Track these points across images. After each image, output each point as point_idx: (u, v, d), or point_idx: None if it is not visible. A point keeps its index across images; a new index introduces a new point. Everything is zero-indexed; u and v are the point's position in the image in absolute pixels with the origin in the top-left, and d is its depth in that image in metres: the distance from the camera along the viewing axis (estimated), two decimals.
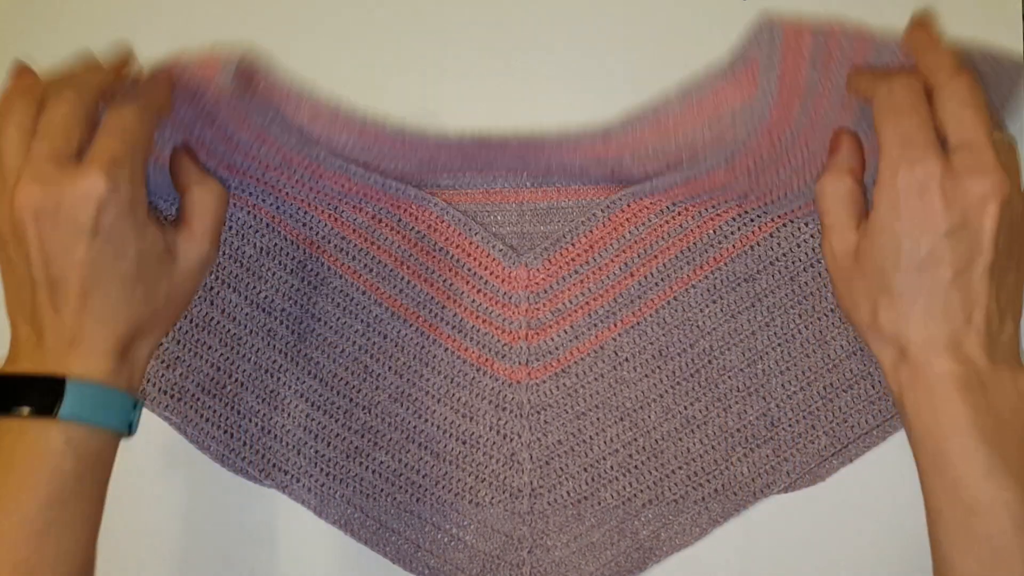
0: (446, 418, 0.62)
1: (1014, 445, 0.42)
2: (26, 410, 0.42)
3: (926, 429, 0.43)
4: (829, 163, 0.49)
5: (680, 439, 0.61)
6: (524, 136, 0.59)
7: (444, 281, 0.62)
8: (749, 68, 0.56)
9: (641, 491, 0.61)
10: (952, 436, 0.42)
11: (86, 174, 0.42)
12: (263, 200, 0.62)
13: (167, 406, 0.62)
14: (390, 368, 0.62)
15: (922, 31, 0.48)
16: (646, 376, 0.61)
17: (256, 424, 0.62)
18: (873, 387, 0.60)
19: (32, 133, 0.43)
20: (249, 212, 0.62)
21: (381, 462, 0.62)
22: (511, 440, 0.61)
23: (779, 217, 0.61)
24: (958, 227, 0.42)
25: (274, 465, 0.62)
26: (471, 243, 0.63)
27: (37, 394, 0.43)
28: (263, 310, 0.62)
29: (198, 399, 0.62)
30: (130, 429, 0.47)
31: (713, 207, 0.61)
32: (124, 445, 0.64)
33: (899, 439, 0.61)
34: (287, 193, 0.61)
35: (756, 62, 0.55)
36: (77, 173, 0.42)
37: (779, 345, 0.61)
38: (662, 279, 0.62)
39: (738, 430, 0.61)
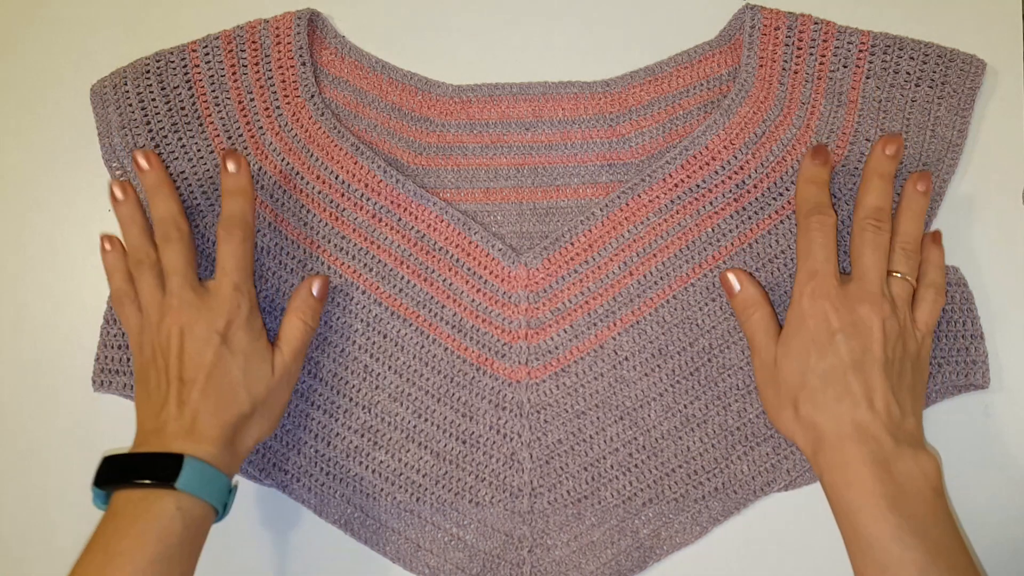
0: (446, 417, 0.62)
1: (918, 512, 0.50)
2: (148, 481, 0.52)
3: (844, 502, 0.51)
4: (736, 304, 0.59)
5: (680, 438, 0.61)
6: (535, 85, 0.65)
7: (444, 280, 0.62)
8: (733, 45, 0.64)
9: (641, 490, 0.61)
10: (864, 506, 0.50)
11: (220, 296, 0.56)
12: (269, 197, 0.62)
13: None
14: (390, 367, 0.62)
15: (877, 161, 0.58)
16: (646, 375, 0.61)
17: None
18: None
19: (155, 269, 0.58)
20: (254, 211, 0.63)
21: (381, 461, 0.62)
22: (511, 439, 0.61)
23: (776, 213, 0.61)
24: (849, 328, 0.53)
25: (274, 464, 0.62)
26: (471, 242, 0.63)
27: (160, 468, 0.52)
28: (263, 310, 0.62)
29: None
30: (225, 509, 0.55)
31: (711, 204, 0.62)
32: (129, 443, 0.64)
33: None
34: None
35: (740, 40, 0.63)
36: (211, 295, 0.56)
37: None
38: (661, 278, 0.62)
39: (738, 428, 0.61)
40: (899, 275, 0.56)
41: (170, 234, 0.58)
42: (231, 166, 0.60)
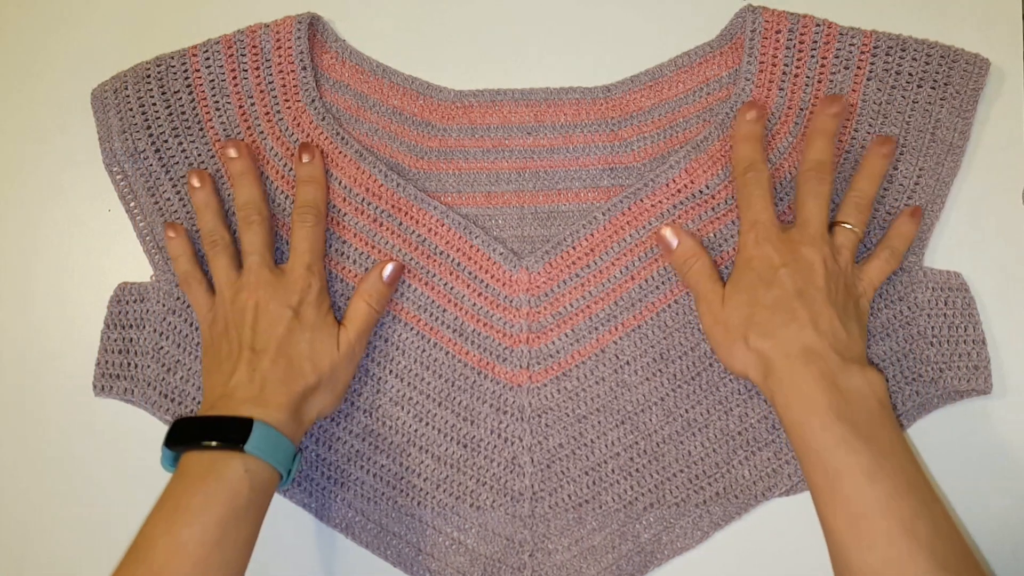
0: (447, 421, 0.62)
1: (864, 420, 0.52)
2: (215, 443, 0.53)
3: (793, 416, 0.53)
4: (676, 258, 0.60)
5: (681, 442, 0.61)
6: (537, 91, 0.65)
7: (445, 284, 0.62)
8: (733, 45, 0.63)
9: (642, 494, 0.61)
10: (812, 418, 0.52)
11: (293, 275, 0.59)
12: (270, 201, 0.62)
13: (168, 409, 0.62)
14: (391, 371, 0.62)
15: (820, 120, 0.60)
16: (647, 379, 0.61)
17: None
18: None
19: (229, 250, 0.60)
20: None
21: (382, 465, 0.62)
22: (512, 443, 0.61)
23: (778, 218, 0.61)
24: (791, 264, 0.56)
25: None
26: (472, 247, 0.63)
27: (230, 431, 0.53)
28: None
29: (199, 402, 0.62)
30: (289, 475, 0.56)
31: (712, 210, 0.61)
32: (126, 449, 0.64)
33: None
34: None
35: (741, 39, 0.63)
36: (285, 275, 0.59)
37: None
38: (663, 282, 0.62)
39: (739, 433, 0.61)
40: (847, 226, 0.58)
41: (251, 217, 0.60)
42: (305, 157, 0.62)
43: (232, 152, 0.62)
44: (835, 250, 0.57)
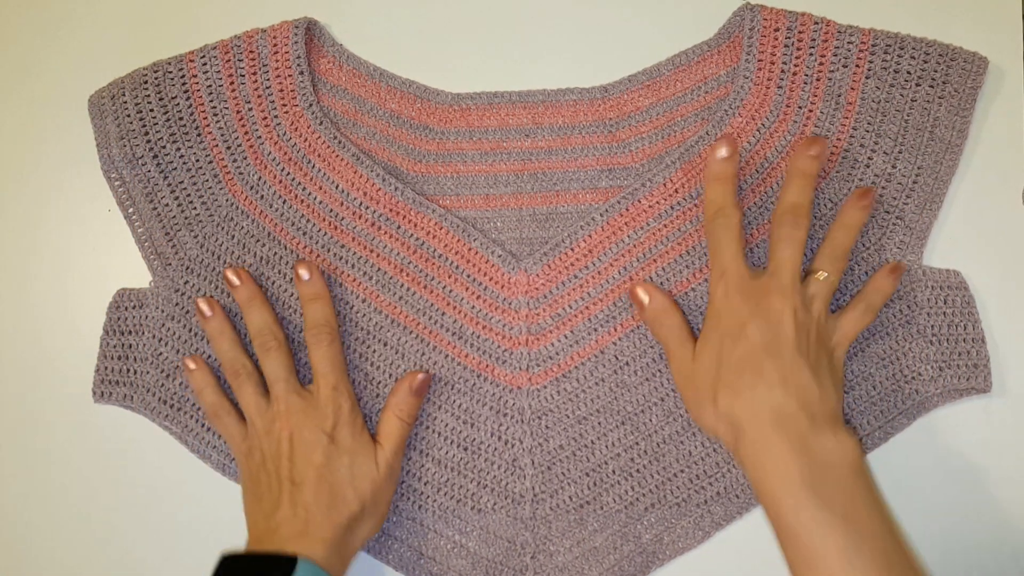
0: (447, 425, 0.62)
1: (839, 493, 0.50)
2: None
3: (765, 491, 0.51)
4: (648, 315, 0.59)
5: (682, 442, 0.61)
6: (534, 93, 0.65)
7: (444, 288, 0.62)
8: (731, 44, 0.64)
9: (643, 495, 0.61)
10: (784, 494, 0.50)
11: (322, 399, 0.58)
12: (268, 207, 0.63)
13: (167, 416, 0.62)
14: (391, 375, 0.62)
15: (800, 161, 0.58)
16: (647, 380, 0.61)
17: None
18: (874, 388, 0.60)
19: (253, 378, 0.59)
20: (253, 221, 0.63)
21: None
22: (512, 446, 0.61)
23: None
24: (759, 317, 0.54)
25: None
26: (470, 249, 0.63)
27: (275, 569, 0.53)
28: None
29: (199, 408, 0.62)
30: None
31: None
32: (130, 456, 0.64)
33: (900, 441, 0.61)
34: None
35: (739, 38, 0.63)
36: (315, 399, 0.58)
37: None
38: (662, 283, 0.62)
39: None
40: (821, 275, 0.56)
41: (268, 343, 0.60)
42: (304, 274, 0.60)
43: (234, 279, 0.61)
44: (807, 300, 0.55)
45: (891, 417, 0.60)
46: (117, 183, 0.63)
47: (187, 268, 0.63)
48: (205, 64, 0.63)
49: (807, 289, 0.56)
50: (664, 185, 0.62)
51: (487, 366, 0.62)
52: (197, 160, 0.63)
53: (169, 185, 0.63)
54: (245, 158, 0.63)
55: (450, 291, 0.62)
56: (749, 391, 0.52)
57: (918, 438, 0.61)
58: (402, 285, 0.63)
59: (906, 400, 0.60)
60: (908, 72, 0.61)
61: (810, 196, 0.57)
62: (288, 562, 0.53)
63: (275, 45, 0.63)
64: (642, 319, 0.60)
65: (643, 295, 0.59)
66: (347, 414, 0.58)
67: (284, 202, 0.63)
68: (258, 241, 0.63)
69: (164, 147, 0.63)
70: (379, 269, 0.63)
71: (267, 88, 0.63)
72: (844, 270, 0.58)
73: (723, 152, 0.58)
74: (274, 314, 0.61)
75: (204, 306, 0.61)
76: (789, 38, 0.62)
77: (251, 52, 0.63)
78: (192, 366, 0.61)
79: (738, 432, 0.52)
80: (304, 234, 0.63)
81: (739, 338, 0.54)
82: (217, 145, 0.63)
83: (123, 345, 0.63)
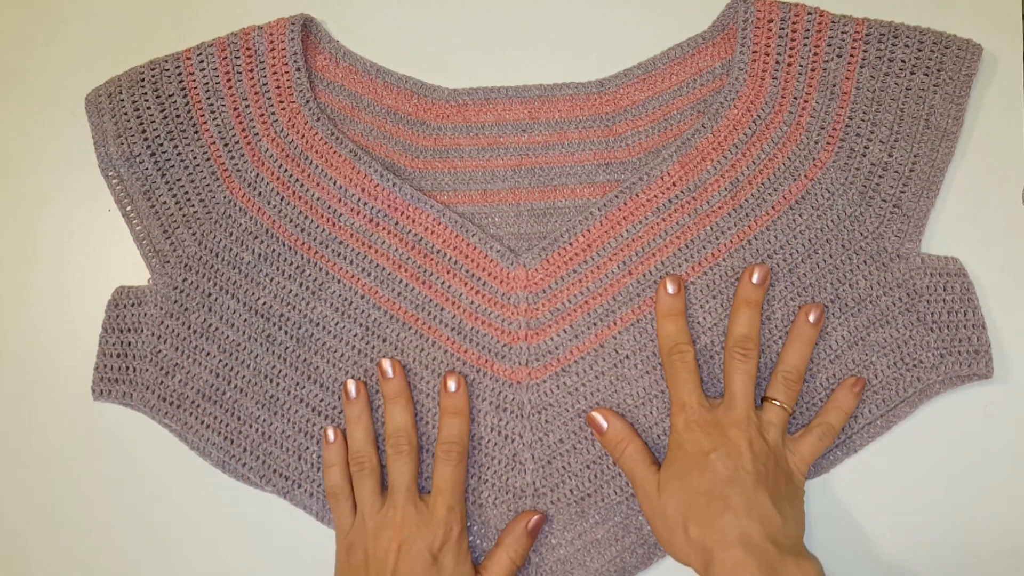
0: None
1: None
2: None
3: None
4: (607, 441, 0.60)
5: None
6: (531, 88, 0.65)
7: (442, 283, 0.62)
8: (726, 36, 0.64)
9: None
10: None
11: (436, 517, 0.58)
12: (266, 203, 0.63)
13: (167, 413, 0.62)
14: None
15: (744, 290, 0.60)
16: (647, 373, 0.61)
17: (256, 430, 0.62)
18: (875, 376, 0.60)
19: (375, 475, 0.60)
20: (251, 218, 0.63)
21: (383, 466, 0.61)
22: (512, 441, 0.61)
23: (772, 210, 0.61)
24: (721, 448, 0.55)
25: (275, 471, 0.62)
26: (469, 245, 0.63)
27: None
28: (262, 316, 0.63)
29: (198, 406, 0.62)
30: None
31: (708, 203, 0.62)
32: (130, 454, 0.64)
33: (904, 429, 0.61)
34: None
35: (733, 30, 0.64)
36: (430, 515, 0.58)
37: (780, 339, 0.61)
38: (660, 276, 0.62)
39: None
40: (776, 403, 0.58)
41: (401, 446, 0.60)
42: (452, 384, 0.61)
43: (388, 370, 0.61)
44: (763, 427, 0.57)
45: (893, 405, 0.60)
46: (115, 181, 0.63)
47: (186, 266, 0.63)
48: (202, 62, 0.64)
49: (763, 416, 0.58)
50: (662, 179, 0.62)
51: (486, 361, 0.62)
52: (195, 158, 0.63)
53: (167, 183, 0.63)
54: (243, 155, 0.63)
55: (449, 287, 0.62)
56: (718, 519, 0.54)
57: (919, 430, 0.61)
58: (401, 281, 0.62)
59: (908, 388, 0.60)
60: (903, 61, 0.61)
61: (757, 325, 0.59)
62: None
63: (272, 42, 0.64)
64: (602, 443, 0.60)
65: (601, 421, 0.60)
66: (456, 538, 0.58)
67: (282, 199, 0.63)
68: (256, 238, 0.63)
69: (162, 145, 0.63)
70: (377, 265, 0.63)
71: (264, 85, 0.64)
72: (798, 394, 0.59)
73: (671, 288, 0.60)
74: (414, 418, 0.61)
75: (351, 387, 0.61)
76: (783, 29, 0.62)
77: (248, 49, 0.64)
78: (331, 438, 0.61)
79: (708, 559, 0.54)
80: (302, 230, 0.63)
81: (704, 469, 0.55)
82: (215, 142, 0.63)
83: (122, 343, 0.62)
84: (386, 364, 0.61)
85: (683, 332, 0.60)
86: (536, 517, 0.60)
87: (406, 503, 0.58)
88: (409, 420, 0.60)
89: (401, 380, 0.61)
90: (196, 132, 0.63)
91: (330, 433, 0.61)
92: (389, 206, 0.63)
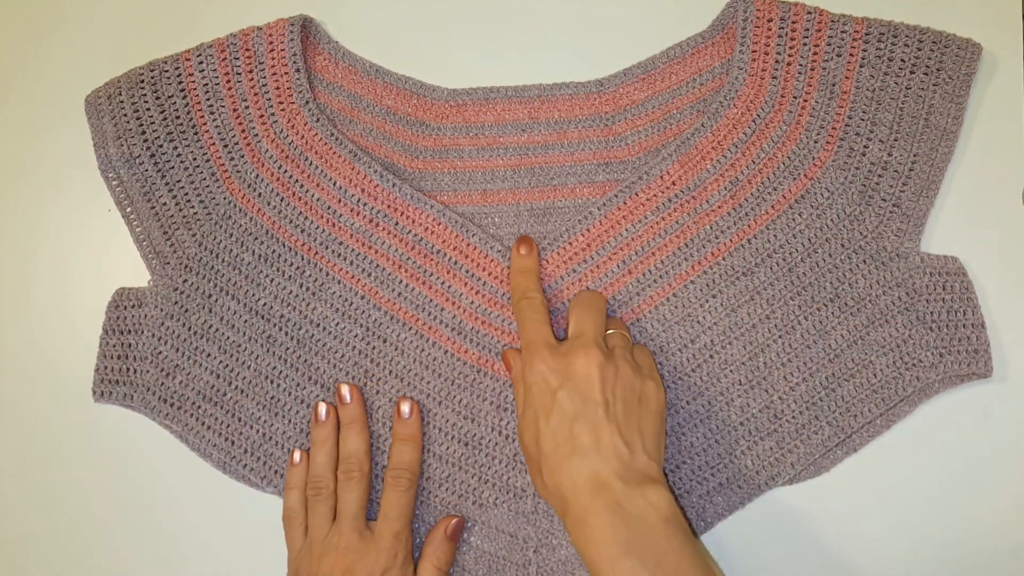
0: (447, 420, 0.62)
1: (649, 547, 0.51)
2: None
3: (588, 557, 0.52)
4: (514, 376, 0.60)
5: (683, 434, 0.61)
6: (530, 88, 0.65)
7: (442, 283, 0.62)
8: (725, 35, 0.64)
9: None
10: (601, 559, 0.51)
11: (382, 543, 0.59)
12: (266, 204, 0.63)
13: (168, 414, 0.62)
14: (390, 372, 0.62)
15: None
16: None
17: (257, 431, 0.62)
18: (875, 375, 0.60)
19: (329, 501, 0.60)
20: (251, 218, 0.63)
21: (383, 466, 0.62)
22: (513, 440, 0.61)
23: (772, 209, 0.61)
24: (568, 384, 0.55)
25: (276, 471, 0.62)
26: (469, 245, 0.63)
27: None
28: (262, 317, 0.63)
29: (199, 407, 0.62)
30: None
31: (707, 202, 0.62)
32: (130, 455, 0.64)
33: (903, 428, 0.61)
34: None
35: (733, 29, 0.64)
36: (373, 540, 0.59)
37: (780, 337, 0.61)
38: (660, 276, 0.62)
39: (741, 424, 0.61)
40: (611, 331, 0.59)
41: (352, 472, 0.60)
42: (405, 410, 0.61)
43: (346, 395, 0.62)
44: (611, 351, 0.57)
45: (892, 404, 0.60)
46: (115, 183, 0.63)
47: (186, 267, 0.63)
48: (201, 63, 0.64)
49: (608, 341, 0.58)
50: (661, 178, 0.62)
51: (487, 361, 0.62)
52: (194, 159, 0.63)
53: (167, 184, 0.63)
54: (242, 156, 0.63)
55: (449, 287, 0.62)
56: (567, 464, 0.54)
57: (918, 430, 0.61)
58: (401, 281, 0.63)
59: (907, 387, 0.60)
60: (902, 60, 0.61)
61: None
62: None
63: (271, 43, 0.64)
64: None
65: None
66: (400, 564, 0.59)
67: (282, 199, 0.63)
68: (256, 239, 0.63)
69: (161, 146, 0.63)
70: (377, 265, 0.63)
71: (264, 86, 0.64)
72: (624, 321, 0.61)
73: (523, 250, 0.62)
74: (368, 444, 0.61)
75: (322, 410, 0.62)
76: (783, 28, 0.62)
77: (247, 50, 0.64)
78: (296, 460, 0.62)
79: (564, 505, 0.54)
80: (302, 231, 0.63)
81: (551, 410, 0.55)
82: (214, 143, 0.63)
83: (123, 344, 0.63)
84: (344, 389, 0.62)
85: (532, 282, 0.61)
86: (455, 521, 0.60)
87: (351, 530, 0.59)
88: (363, 447, 0.61)
89: (358, 407, 0.62)
90: (196, 133, 0.63)
91: (296, 455, 0.62)
92: (389, 206, 0.63)
